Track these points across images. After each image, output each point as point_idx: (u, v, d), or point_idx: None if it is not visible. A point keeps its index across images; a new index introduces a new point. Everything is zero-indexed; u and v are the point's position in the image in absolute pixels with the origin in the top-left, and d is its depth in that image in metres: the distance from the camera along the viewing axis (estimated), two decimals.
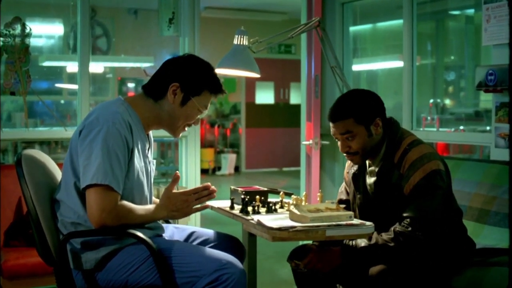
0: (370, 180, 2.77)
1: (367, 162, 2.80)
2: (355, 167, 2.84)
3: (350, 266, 2.63)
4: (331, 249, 2.66)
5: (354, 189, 2.84)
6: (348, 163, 2.93)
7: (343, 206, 2.83)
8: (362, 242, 2.58)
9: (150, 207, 2.48)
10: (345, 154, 2.72)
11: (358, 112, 2.63)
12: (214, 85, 2.58)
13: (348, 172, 2.91)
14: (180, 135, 2.69)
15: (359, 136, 2.64)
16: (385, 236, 2.55)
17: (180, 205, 2.47)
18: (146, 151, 2.58)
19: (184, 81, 2.53)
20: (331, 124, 2.70)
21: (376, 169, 2.71)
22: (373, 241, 2.56)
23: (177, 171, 2.61)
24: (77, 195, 2.42)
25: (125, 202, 2.39)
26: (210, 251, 2.42)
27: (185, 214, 2.51)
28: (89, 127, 2.39)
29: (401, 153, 2.64)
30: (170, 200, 2.47)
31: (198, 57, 2.64)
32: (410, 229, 2.51)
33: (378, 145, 2.69)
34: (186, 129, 2.65)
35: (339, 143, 2.70)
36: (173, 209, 2.47)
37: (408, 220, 2.53)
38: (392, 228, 2.56)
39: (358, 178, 2.82)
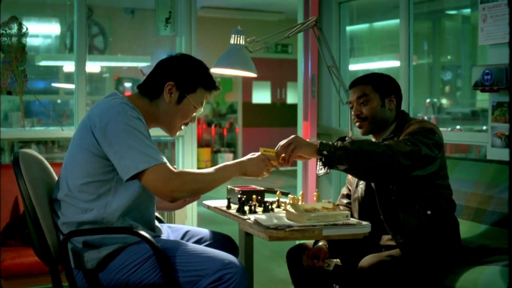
0: None
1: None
2: None
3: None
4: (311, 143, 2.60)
5: (357, 181, 2.86)
6: None
7: (346, 201, 2.85)
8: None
9: (216, 167, 2.53)
10: (355, 120, 2.82)
11: (377, 82, 2.81)
12: (208, 82, 2.63)
13: None
14: (177, 134, 2.70)
15: (372, 102, 2.77)
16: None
17: (259, 163, 2.57)
18: None
19: (179, 80, 2.56)
20: (350, 92, 2.85)
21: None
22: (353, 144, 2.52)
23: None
24: (85, 194, 2.42)
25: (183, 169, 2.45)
26: (213, 250, 2.43)
27: (258, 173, 2.58)
28: (106, 122, 2.36)
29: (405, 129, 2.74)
30: (250, 157, 2.57)
31: (190, 55, 2.70)
32: (399, 143, 2.52)
33: (387, 122, 2.79)
34: (182, 127, 2.66)
35: (353, 109, 2.82)
36: (254, 164, 2.55)
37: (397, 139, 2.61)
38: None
39: None
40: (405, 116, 2.83)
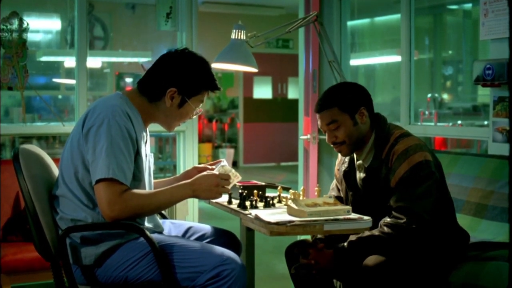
0: (360, 175, 2.77)
1: (354, 155, 2.79)
2: (346, 164, 2.83)
3: (342, 266, 2.62)
4: (325, 251, 2.64)
5: (346, 186, 2.83)
6: (339, 160, 2.93)
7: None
8: (353, 237, 2.58)
9: (166, 188, 2.45)
10: (332, 145, 2.72)
11: (342, 101, 2.66)
12: (211, 83, 2.59)
13: (338, 169, 2.90)
14: (176, 128, 2.71)
15: (344, 125, 2.65)
16: (375, 231, 2.55)
17: (212, 182, 2.45)
18: (144, 144, 2.58)
19: (182, 85, 2.53)
20: (317, 116, 2.72)
21: (365, 165, 2.71)
22: (364, 235, 2.56)
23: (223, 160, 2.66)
24: (80, 190, 2.42)
25: (134, 190, 2.37)
26: (211, 247, 2.42)
27: (210, 197, 2.50)
28: (91, 124, 2.38)
29: (388, 147, 2.64)
30: (202, 178, 2.45)
31: (193, 53, 2.61)
32: (403, 220, 2.50)
33: (365, 137, 2.69)
34: (180, 124, 2.67)
35: (326, 135, 2.71)
36: (204, 188, 2.44)
37: (397, 210, 2.53)
38: (380, 223, 2.55)
39: (349, 175, 2.81)
40: (381, 122, 2.72)
